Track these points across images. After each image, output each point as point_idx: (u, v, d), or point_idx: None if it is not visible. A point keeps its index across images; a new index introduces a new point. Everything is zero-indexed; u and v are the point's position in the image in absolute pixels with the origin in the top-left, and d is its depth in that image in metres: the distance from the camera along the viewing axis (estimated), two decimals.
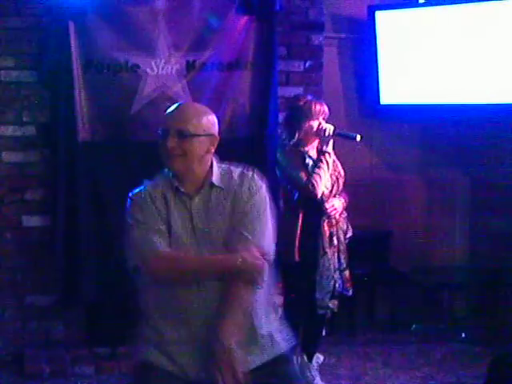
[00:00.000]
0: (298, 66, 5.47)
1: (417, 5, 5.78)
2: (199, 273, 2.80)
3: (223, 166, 2.93)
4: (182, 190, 2.83)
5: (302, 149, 4.58)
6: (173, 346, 2.83)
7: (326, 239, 4.56)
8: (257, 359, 2.85)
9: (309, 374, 4.77)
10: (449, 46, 5.66)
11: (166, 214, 2.81)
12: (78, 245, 4.99)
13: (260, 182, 2.92)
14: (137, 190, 2.90)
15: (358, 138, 4.61)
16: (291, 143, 4.59)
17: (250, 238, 2.81)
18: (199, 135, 2.82)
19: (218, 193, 2.85)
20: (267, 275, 2.86)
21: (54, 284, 5.06)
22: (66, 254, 4.98)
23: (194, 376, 2.81)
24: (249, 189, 2.87)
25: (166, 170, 2.90)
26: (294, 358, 3.04)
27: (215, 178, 2.86)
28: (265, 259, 2.84)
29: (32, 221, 5.10)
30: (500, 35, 5.40)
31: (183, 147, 2.80)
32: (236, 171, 2.92)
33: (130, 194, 2.90)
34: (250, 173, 2.93)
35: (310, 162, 4.55)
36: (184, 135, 2.79)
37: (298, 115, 4.57)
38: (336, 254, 4.62)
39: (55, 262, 5.01)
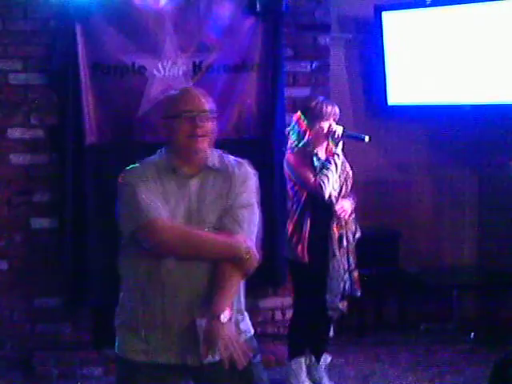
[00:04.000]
0: (305, 66, 5.47)
1: (423, 5, 5.76)
2: (203, 249, 2.81)
3: (216, 151, 2.97)
4: (182, 171, 2.87)
5: (311, 150, 4.58)
6: (150, 328, 2.85)
7: (336, 241, 4.56)
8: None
9: (316, 375, 4.78)
10: (456, 46, 5.65)
11: (162, 192, 2.83)
12: (85, 247, 5.01)
13: (253, 170, 2.98)
14: (129, 167, 2.92)
15: (367, 139, 4.62)
16: (300, 144, 4.58)
17: (243, 225, 2.85)
18: (215, 117, 2.92)
19: (214, 176, 2.90)
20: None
21: (63, 286, 5.09)
22: (73, 255, 5.01)
23: (174, 360, 2.85)
24: (244, 174, 2.93)
25: (162, 151, 2.93)
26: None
27: (212, 161, 2.91)
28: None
29: (40, 223, 5.12)
30: (507, 35, 5.39)
31: (208, 127, 2.87)
32: (230, 157, 2.98)
33: (124, 171, 2.91)
34: (245, 160, 3.00)
35: (318, 163, 4.55)
36: (209, 116, 2.88)
37: (309, 116, 4.57)
38: (345, 256, 4.62)
39: (63, 263, 5.03)
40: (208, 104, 2.89)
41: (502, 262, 5.97)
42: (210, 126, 2.87)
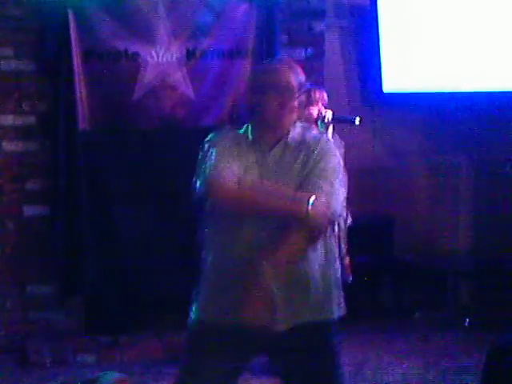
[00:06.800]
0: (300, 53, 5.44)
1: None
2: (266, 204, 2.78)
3: (299, 125, 2.94)
4: (261, 142, 2.87)
5: None
6: (227, 292, 2.81)
7: None
8: (304, 315, 2.84)
9: None
10: (452, 33, 5.63)
11: (238, 160, 2.83)
12: (78, 234, 5.01)
13: (334, 145, 2.95)
14: (216, 132, 2.96)
15: (357, 121, 4.60)
16: None
17: (322, 186, 2.79)
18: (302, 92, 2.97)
19: (292, 149, 2.87)
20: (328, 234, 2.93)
21: (55, 273, 5.10)
22: (66, 243, 5.02)
23: (248, 322, 2.76)
24: (322, 148, 2.88)
25: (246, 125, 2.92)
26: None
27: (293, 135, 2.89)
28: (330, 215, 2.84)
29: (33, 210, 5.12)
30: (504, 21, 5.37)
31: (295, 103, 2.89)
32: (312, 132, 2.97)
33: (211, 134, 2.95)
34: (325, 136, 3.03)
35: None
36: (297, 91, 2.91)
37: None
38: (336, 242, 4.62)
39: (56, 251, 5.04)
40: (296, 80, 2.87)
41: (497, 249, 5.96)
42: (297, 101, 2.87)
